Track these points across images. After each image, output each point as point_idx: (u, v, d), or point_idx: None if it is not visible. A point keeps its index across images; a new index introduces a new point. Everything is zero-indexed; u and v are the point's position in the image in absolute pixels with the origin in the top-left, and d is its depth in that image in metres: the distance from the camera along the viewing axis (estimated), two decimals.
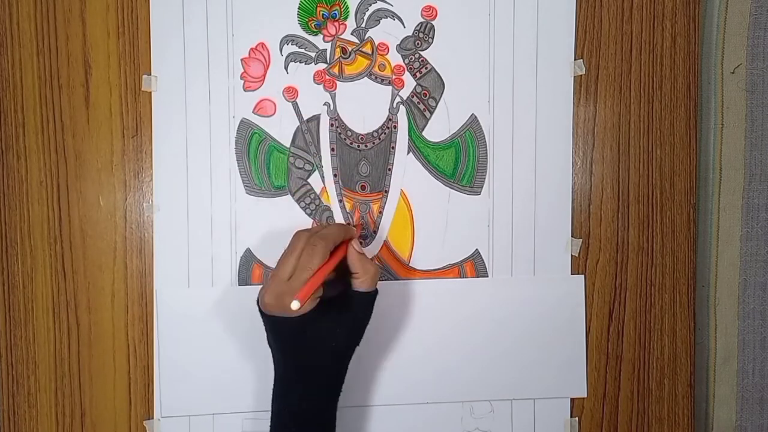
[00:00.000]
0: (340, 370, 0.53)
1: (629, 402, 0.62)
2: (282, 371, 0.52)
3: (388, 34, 0.60)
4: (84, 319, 0.61)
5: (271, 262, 0.60)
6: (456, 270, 0.61)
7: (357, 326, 0.53)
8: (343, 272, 0.55)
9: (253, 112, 0.60)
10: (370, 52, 0.60)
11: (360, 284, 0.53)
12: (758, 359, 0.64)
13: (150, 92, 0.60)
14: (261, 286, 0.52)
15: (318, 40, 0.60)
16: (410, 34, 0.60)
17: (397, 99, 0.60)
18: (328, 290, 0.53)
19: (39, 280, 0.60)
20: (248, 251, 0.60)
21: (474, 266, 0.61)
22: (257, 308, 0.52)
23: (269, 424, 0.52)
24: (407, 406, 0.61)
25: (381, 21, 0.60)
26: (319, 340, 0.51)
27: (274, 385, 0.53)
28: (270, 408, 0.53)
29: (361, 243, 0.60)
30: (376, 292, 0.54)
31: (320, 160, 0.61)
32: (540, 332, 0.61)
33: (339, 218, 0.61)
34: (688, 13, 0.60)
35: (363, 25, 0.60)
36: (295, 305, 0.47)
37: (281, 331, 0.51)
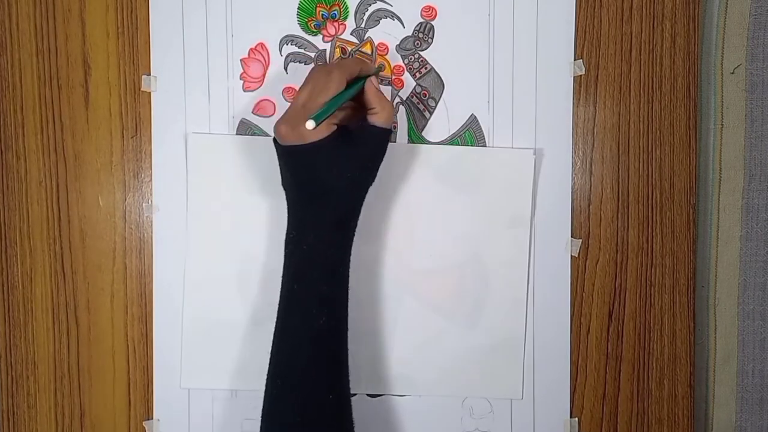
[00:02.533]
0: (355, 205, 0.53)
1: (629, 402, 0.62)
2: (295, 207, 0.52)
3: (387, 34, 0.60)
4: (83, 319, 0.61)
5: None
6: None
7: (371, 161, 0.53)
8: (360, 112, 0.55)
9: (252, 112, 0.60)
10: (369, 52, 0.60)
11: (377, 119, 0.53)
12: (758, 360, 0.64)
13: (149, 92, 0.60)
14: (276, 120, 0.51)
15: (317, 41, 0.60)
16: (410, 34, 0.60)
17: (397, 99, 0.60)
18: (344, 124, 0.53)
19: (38, 280, 0.60)
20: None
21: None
22: (273, 141, 0.52)
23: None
24: (407, 406, 0.61)
25: (380, 21, 0.60)
26: (333, 168, 0.50)
27: (287, 228, 0.52)
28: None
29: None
30: (391, 130, 0.54)
31: None
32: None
33: None
34: (688, 13, 0.60)
35: (362, 26, 0.60)
36: (310, 124, 0.47)
37: (296, 160, 0.51)
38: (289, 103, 0.51)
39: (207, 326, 0.60)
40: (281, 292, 0.52)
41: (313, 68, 0.53)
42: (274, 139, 0.52)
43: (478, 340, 0.61)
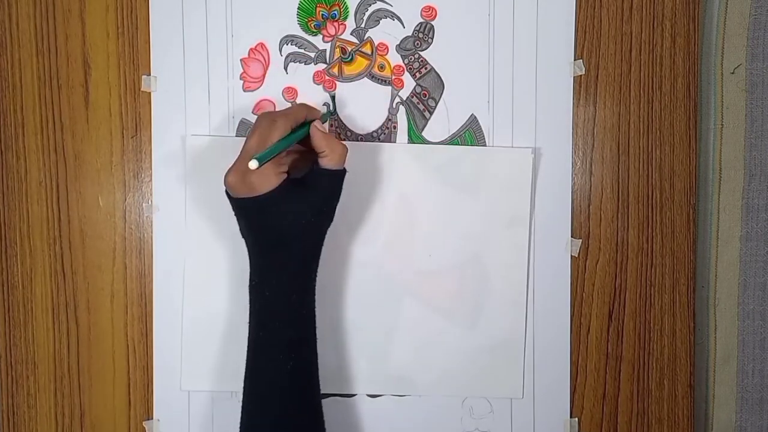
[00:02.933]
0: (314, 248, 0.53)
1: (629, 402, 0.62)
2: (255, 256, 0.52)
3: (387, 34, 0.60)
4: (83, 319, 0.61)
5: None
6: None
7: (326, 205, 0.53)
8: (311, 157, 0.54)
9: (252, 112, 0.60)
10: (369, 52, 0.60)
11: (327, 162, 0.52)
12: (758, 360, 0.64)
13: (149, 92, 0.60)
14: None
15: (317, 41, 0.60)
16: (410, 34, 0.60)
17: (397, 99, 0.60)
18: (296, 173, 0.54)
19: (38, 280, 0.60)
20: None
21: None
22: (225, 193, 0.52)
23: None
24: (407, 406, 0.61)
25: (380, 21, 0.60)
26: (288, 216, 0.51)
27: (250, 272, 0.52)
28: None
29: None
30: (344, 171, 0.54)
31: None
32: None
33: None
34: (688, 13, 0.60)
35: (362, 26, 0.60)
36: (253, 164, 0.45)
37: (250, 212, 0.51)
38: (289, 104, 0.51)
39: (207, 327, 0.60)
40: (249, 337, 0.52)
41: (258, 117, 0.52)
42: (227, 191, 0.51)
43: (478, 340, 0.61)
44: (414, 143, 0.60)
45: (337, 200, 0.54)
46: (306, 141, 0.53)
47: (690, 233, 0.61)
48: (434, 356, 0.61)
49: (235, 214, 0.52)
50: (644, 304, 0.62)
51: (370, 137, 0.60)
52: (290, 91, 0.60)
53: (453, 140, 0.60)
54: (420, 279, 0.61)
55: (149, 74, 0.60)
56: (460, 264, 0.61)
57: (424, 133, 0.60)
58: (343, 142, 0.54)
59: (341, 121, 0.60)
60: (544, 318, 0.61)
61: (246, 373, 0.52)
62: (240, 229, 0.53)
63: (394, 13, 0.60)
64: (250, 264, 0.52)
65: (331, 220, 0.54)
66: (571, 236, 0.61)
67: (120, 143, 0.60)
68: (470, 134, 0.61)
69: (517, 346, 0.61)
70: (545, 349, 0.61)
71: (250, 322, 0.52)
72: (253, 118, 0.60)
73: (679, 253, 0.61)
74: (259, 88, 0.60)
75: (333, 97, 0.60)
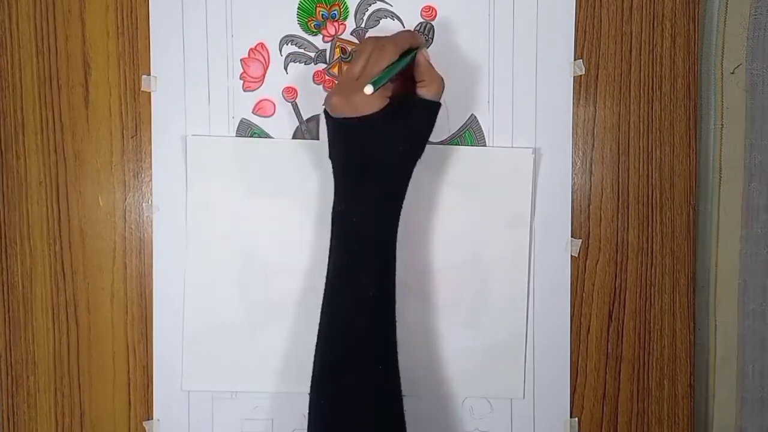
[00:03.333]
0: (404, 177, 0.53)
1: (629, 402, 0.62)
2: (343, 181, 0.52)
3: (387, 34, 0.60)
4: (83, 319, 0.61)
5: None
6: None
7: (421, 134, 0.53)
8: (408, 84, 0.55)
9: (252, 112, 0.60)
10: None
11: (426, 92, 0.53)
12: (758, 360, 0.64)
13: (149, 92, 0.60)
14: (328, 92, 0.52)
15: (317, 41, 0.60)
16: None
17: None
18: (394, 100, 0.53)
19: (38, 280, 0.60)
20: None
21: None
22: (324, 114, 0.52)
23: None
24: (407, 406, 0.61)
25: (381, 21, 0.60)
26: (385, 141, 0.51)
27: (334, 200, 0.52)
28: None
29: None
30: (440, 104, 0.54)
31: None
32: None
33: None
34: (688, 13, 0.60)
35: (363, 26, 0.60)
36: (368, 89, 0.47)
37: (348, 132, 0.51)
38: (325, 84, 0.51)
39: (208, 328, 0.60)
40: (329, 265, 0.52)
41: (365, 40, 0.54)
42: (325, 111, 0.52)
43: (478, 340, 0.61)
44: None
45: (431, 131, 0.54)
46: (407, 69, 0.53)
47: (690, 233, 0.61)
48: (435, 356, 0.61)
49: (329, 135, 0.53)
50: (644, 304, 0.62)
51: None
52: (290, 91, 0.60)
53: (453, 140, 0.60)
54: (420, 279, 0.61)
55: (149, 74, 0.60)
56: (461, 264, 0.61)
57: None
58: (440, 76, 0.54)
59: None
60: (544, 318, 0.61)
61: (324, 304, 0.52)
62: (329, 152, 0.53)
63: (394, 13, 0.60)
64: (336, 190, 0.52)
65: (422, 152, 0.53)
66: (571, 236, 0.61)
67: (120, 143, 0.60)
68: (470, 134, 0.61)
69: (518, 345, 0.61)
70: (545, 349, 0.61)
71: (331, 250, 0.52)
72: (253, 118, 0.60)
73: (679, 253, 0.61)
74: (259, 88, 0.60)
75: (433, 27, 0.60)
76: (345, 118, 0.50)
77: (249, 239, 0.60)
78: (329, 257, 0.52)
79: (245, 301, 0.60)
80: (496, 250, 0.60)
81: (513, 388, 0.61)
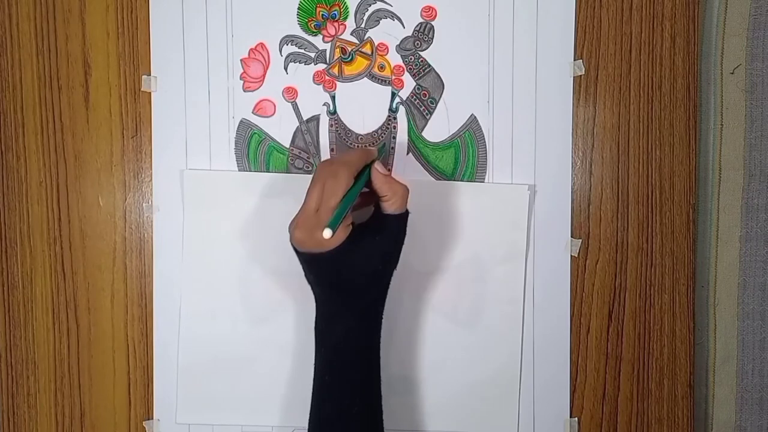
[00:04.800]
0: (380, 295, 0.53)
1: (629, 402, 0.62)
2: (322, 303, 0.52)
3: (387, 34, 0.60)
4: (84, 319, 0.61)
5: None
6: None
7: (392, 249, 0.53)
8: (371, 196, 0.54)
9: (252, 112, 0.60)
10: (369, 52, 0.60)
11: (390, 206, 0.52)
12: (758, 360, 0.64)
13: (150, 93, 0.60)
14: (290, 223, 0.51)
15: (317, 41, 0.60)
16: (410, 34, 0.60)
17: (397, 99, 0.60)
18: (359, 217, 0.53)
19: (39, 280, 0.60)
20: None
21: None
22: (291, 247, 0.51)
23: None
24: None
25: (380, 21, 0.60)
26: (357, 268, 0.50)
27: (316, 315, 0.52)
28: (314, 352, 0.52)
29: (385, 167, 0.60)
30: (407, 213, 0.53)
31: (320, 161, 0.61)
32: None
33: None
34: (687, 14, 0.60)
35: (362, 26, 0.60)
36: (327, 233, 0.46)
37: (318, 265, 0.51)
38: (301, 207, 0.51)
39: (203, 361, 0.60)
40: (314, 382, 0.52)
41: (318, 167, 0.52)
42: (293, 245, 0.51)
43: (472, 376, 0.60)
44: (415, 146, 0.60)
45: (402, 242, 0.53)
46: (367, 183, 0.53)
47: (690, 233, 0.61)
48: (425, 391, 0.61)
49: (302, 265, 0.52)
50: (644, 304, 0.62)
51: (370, 137, 0.60)
52: (290, 91, 0.60)
53: (453, 140, 0.61)
54: (416, 314, 0.60)
55: (149, 74, 0.60)
56: (456, 299, 0.60)
57: (424, 134, 0.60)
58: (404, 182, 0.53)
59: (341, 121, 0.60)
60: (544, 318, 0.61)
61: (311, 415, 0.52)
62: (305, 276, 0.52)
63: (394, 13, 0.60)
64: (317, 309, 0.52)
65: (397, 262, 0.53)
66: (571, 236, 0.61)
67: (120, 143, 0.60)
68: (470, 134, 0.61)
69: (512, 384, 0.61)
70: (545, 349, 0.61)
71: (315, 367, 0.52)
72: (253, 118, 0.60)
73: (679, 253, 0.61)
74: (259, 88, 0.60)
75: (383, 146, 0.60)
76: (312, 253, 0.50)
77: (246, 273, 0.60)
78: (314, 373, 0.52)
79: (241, 334, 0.60)
80: (492, 285, 0.60)
81: (508, 427, 0.61)
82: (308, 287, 0.53)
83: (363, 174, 0.52)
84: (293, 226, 0.50)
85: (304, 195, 0.50)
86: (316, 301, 0.52)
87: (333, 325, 0.52)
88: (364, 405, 0.52)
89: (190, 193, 0.60)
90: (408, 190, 0.53)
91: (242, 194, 0.60)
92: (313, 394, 0.52)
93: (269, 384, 0.60)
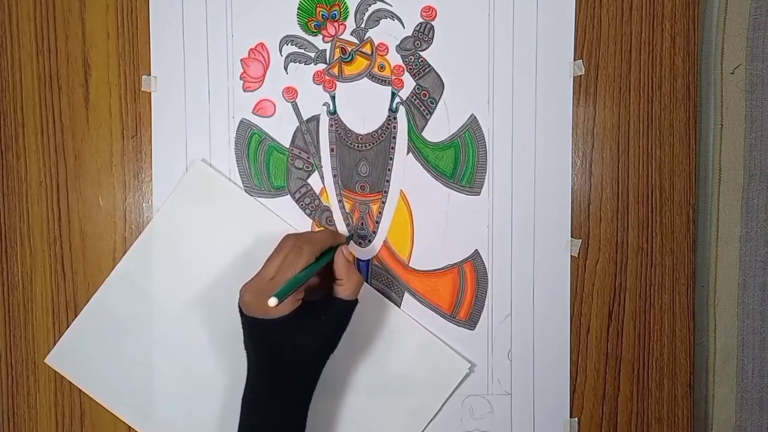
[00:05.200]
0: (312, 377, 0.53)
1: (629, 402, 0.62)
2: (255, 373, 0.52)
3: (387, 34, 0.60)
4: None
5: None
6: (456, 271, 0.61)
7: (334, 333, 0.54)
8: (327, 279, 0.55)
9: (252, 112, 0.60)
10: (369, 52, 0.60)
11: (342, 291, 0.53)
12: (758, 359, 0.64)
13: (149, 93, 0.60)
14: (242, 285, 0.52)
15: (317, 41, 0.60)
16: (410, 34, 0.60)
17: (397, 99, 0.60)
18: (310, 296, 0.54)
19: (39, 280, 0.60)
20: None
21: (474, 267, 0.61)
22: (238, 307, 0.52)
23: None
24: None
25: (380, 21, 0.60)
26: (295, 343, 0.51)
27: (244, 391, 0.53)
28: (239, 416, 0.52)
29: (360, 244, 0.61)
30: (356, 302, 0.54)
31: (320, 161, 0.61)
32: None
33: (338, 218, 0.61)
34: (687, 14, 0.60)
35: (362, 26, 0.60)
36: (272, 302, 0.47)
37: (259, 332, 0.51)
38: (257, 272, 0.51)
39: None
40: None
41: (284, 238, 0.53)
42: (239, 306, 0.52)
43: None
44: (415, 146, 0.60)
45: (344, 329, 0.54)
46: (327, 264, 0.54)
47: (690, 233, 0.61)
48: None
49: (243, 329, 0.52)
50: (644, 304, 0.62)
51: (370, 137, 0.60)
52: (290, 91, 0.60)
53: (453, 140, 0.61)
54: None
55: (149, 74, 0.60)
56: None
57: (424, 134, 0.60)
58: (360, 275, 0.55)
59: (341, 121, 0.60)
60: (544, 318, 0.61)
61: None
62: (244, 342, 0.53)
63: (394, 13, 0.60)
64: (248, 378, 0.53)
65: (335, 348, 0.54)
66: (571, 236, 0.61)
67: (120, 143, 0.60)
68: (470, 134, 0.61)
69: None
70: (545, 348, 0.61)
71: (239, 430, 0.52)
72: (253, 118, 0.60)
73: (679, 253, 0.61)
74: (259, 88, 0.60)
75: (352, 235, 0.60)
76: (256, 318, 0.50)
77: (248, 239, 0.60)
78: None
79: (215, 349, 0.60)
80: (384, 427, 0.60)
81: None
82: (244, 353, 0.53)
83: (325, 255, 0.53)
84: (244, 289, 0.51)
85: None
86: (248, 371, 0.53)
87: (262, 397, 0.52)
88: None
89: (188, 182, 0.59)
90: (363, 281, 0.55)
91: (235, 212, 0.60)
92: None
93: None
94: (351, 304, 0.54)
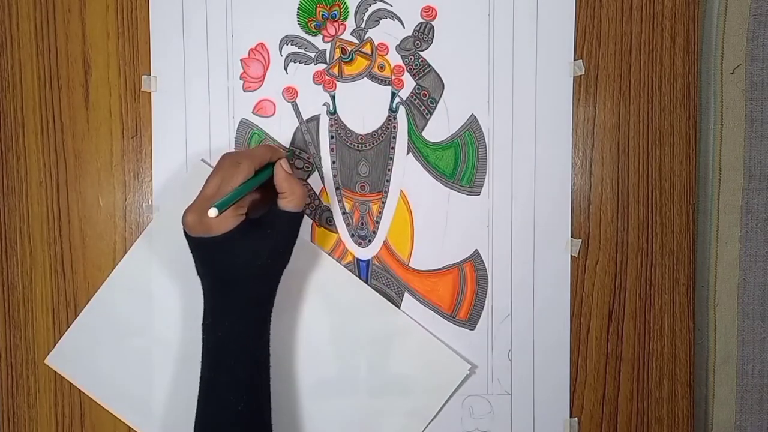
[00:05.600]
0: (268, 292, 0.53)
1: (629, 402, 0.62)
2: (209, 295, 0.52)
3: (387, 34, 0.60)
4: None
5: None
6: (456, 271, 0.61)
7: (282, 245, 0.53)
8: (270, 196, 0.55)
9: (252, 112, 0.60)
10: (369, 52, 0.60)
11: (287, 204, 0.53)
12: (758, 359, 0.64)
13: (149, 93, 0.60)
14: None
15: (317, 41, 0.60)
16: (410, 34, 0.60)
17: (397, 99, 0.60)
18: (255, 212, 0.53)
19: (39, 280, 0.60)
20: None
21: (474, 267, 0.61)
22: (183, 231, 0.51)
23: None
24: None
25: (380, 21, 0.60)
26: (244, 258, 0.50)
27: (203, 318, 0.52)
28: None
29: (360, 244, 0.61)
30: (302, 213, 0.54)
31: (320, 161, 0.61)
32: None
33: (339, 218, 0.61)
34: (687, 14, 0.60)
35: (362, 26, 0.60)
36: (212, 212, 0.46)
37: (206, 251, 0.51)
38: (198, 193, 0.51)
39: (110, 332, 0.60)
40: (200, 379, 0.52)
41: (222, 157, 0.52)
42: (185, 231, 0.51)
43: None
44: (415, 146, 0.60)
45: (294, 242, 0.54)
46: (267, 181, 0.53)
47: (690, 233, 0.61)
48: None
49: (191, 252, 0.52)
50: (644, 304, 0.62)
51: (370, 137, 0.60)
52: (290, 91, 0.60)
53: (453, 140, 0.61)
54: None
55: (149, 74, 0.60)
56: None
57: (423, 134, 0.60)
58: (303, 185, 0.54)
59: (341, 121, 0.60)
60: (544, 318, 0.61)
61: (197, 414, 0.52)
62: (195, 268, 0.52)
63: (394, 13, 0.60)
64: (204, 303, 0.52)
65: (287, 262, 0.54)
66: (571, 236, 0.61)
67: (120, 143, 0.60)
68: (470, 134, 0.61)
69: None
70: (545, 348, 0.61)
71: (202, 363, 0.52)
72: (253, 118, 0.60)
73: (679, 253, 0.61)
74: (259, 88, 0.60)
75: (293, 150, 0.60)
76: (201, 237, 0.50)
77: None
78: (200, 370, 0.52)
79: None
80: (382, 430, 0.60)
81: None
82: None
83: (265, 170, 0.53)
84: (186, 210, 0.50)
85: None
86: (204, 296, 0.52)
87: (218, 319, 0.51)
88: (249, 404, 0.51)
89: (188, 183, 0.59)
90: (306, 191, 0.54)
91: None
92: (199, 393, 0.52)
93: (158, 385, 0.60)
94: (297, 216, 0.53)
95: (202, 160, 0.60)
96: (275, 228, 0.52)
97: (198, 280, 0.52)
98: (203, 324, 0.52)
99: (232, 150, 0.60)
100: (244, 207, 0.51)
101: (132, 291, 0.59)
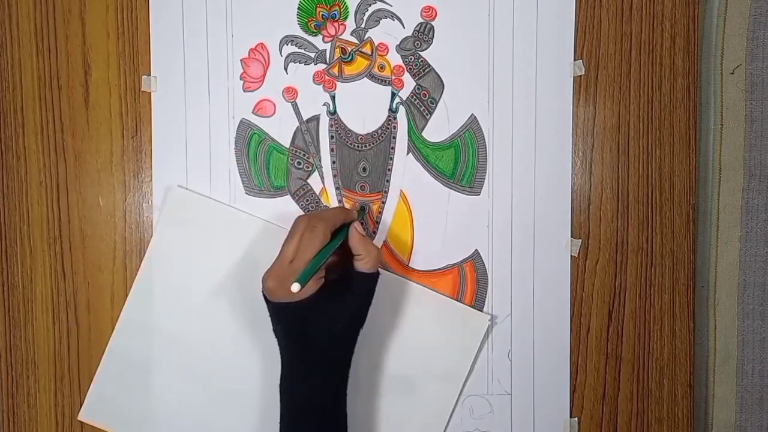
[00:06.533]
0: (346, 354, 0.53)
1: (629, 402, 0.62)
2: (288, 358, 0.52)
3: (387, 34, 0.60)
4: (84, 319, 0.61)
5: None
6: (456, 271, 0.61)
7: (360, 308, 0.54)
8: (345, 255, 0.55)
9: (252, 112, 0.60)
10: (369, 52, 0.60)
11: (363, 265, 0.53)
12: (757, 360, 0.64)
13: (149, 93, 0.60)
14: (264, 272, 0.52)
15: (317, 41, 0.60)
16: (410, 34, 0.60)
17: (397, 99, 0.60)
18: (331, 274, 0.54)
19: (39, 280, 0.60)
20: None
21: (474, 267, 0.61)
22: (262, 296, 0.52)
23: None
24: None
25: (380, 21, 0.60)
26: (323, 324, 0.51)
27: (280, 380, 0.53)
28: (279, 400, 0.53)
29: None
30: (378, 273, 0.54)
31: (320, 161, 0.61)
32: None
33: None
34: (687, 14, 0.60)
35: (362, 26, 0.60)
36: (295, 287, 0.47)
37: (286, 317, 0.51)
38: (276, 257, 0.51)
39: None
40: None
41: (297, 220, 0.53)
42: (263, 294, 0.52)
43: None
44: (415, 146, 0.60)
45: (370, 303, 0.54)
46: (343, 242, 0.54)
47: (690, 233, 0.61)
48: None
49: (270, 316, 0.52)
50: (644, 304, 0.62)
51: (370, 137, 0.60)
52: (290, 91, 0.60)
53: (453, 140, 0.61)
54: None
55: (149, 74, 0.60)
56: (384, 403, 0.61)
57: (423, 134, 0.60)
58: (377, 246, 0.55)
59: (341, 121, 0.60)
60: (544, 318, 0.61)
61: None
62: (273, 329, 0.53)
63: (394, 14, 0.60)
64: (282, 367, 0.53)
65: (364, 323, 0.54)
66: (571, 236, 0.61)
67: (120, 143, 0.60)
68: (470, 134, 0.61)
69: None
70: (545, 348, 0.61)
71: (281, 423, 0.52)
72: (253, 118, 0.60)
73: (679, 253, 0.61)
74: (259, 88, 0.60)
75: (363, 208, 0.60)
76: (282, 303, 0.50)
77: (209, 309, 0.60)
78: (280, 426, 0.52)
79: (246, 301, 0.60)
80: (420, 399, 0.60)
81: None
82: (274, 342, 0.53)
83: (340, 232, 0.54)
84: (266, 276, 0.51)
85: (279, 246, 0.52)
86: (282, 359, 0.53)
87: (297, 383, 0.52)
88: None
89: (169, 211, 0.59)
90: (381, 252, 0.55)
91: (223, 230, 0.60)
92: None
93: (240, 379, 0.60)
94: (373, 277, 0.54)
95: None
96: (353, 290, 0.53)
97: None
98: (281, 387, 0.53)
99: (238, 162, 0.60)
100: (323, 272, 0.52)
101: (142, 331, 0.60)
